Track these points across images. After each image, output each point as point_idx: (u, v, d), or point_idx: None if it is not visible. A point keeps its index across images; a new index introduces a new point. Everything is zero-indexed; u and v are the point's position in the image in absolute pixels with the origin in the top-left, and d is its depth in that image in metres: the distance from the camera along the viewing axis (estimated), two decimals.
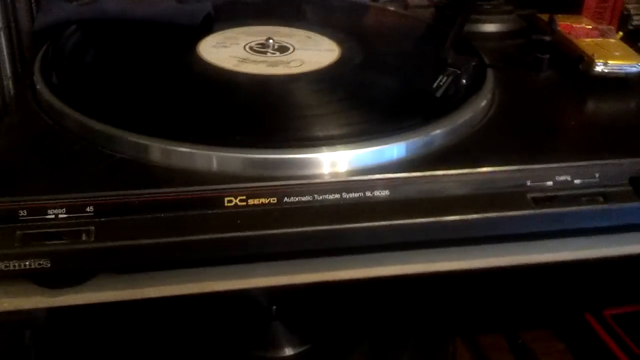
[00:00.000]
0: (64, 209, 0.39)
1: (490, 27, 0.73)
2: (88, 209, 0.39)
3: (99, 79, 0.54)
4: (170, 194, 0.41)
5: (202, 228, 0.40)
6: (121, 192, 0.40)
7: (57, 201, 0.39)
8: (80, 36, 0.62)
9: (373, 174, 0.44)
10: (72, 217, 0.39)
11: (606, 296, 0.80)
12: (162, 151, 0.44)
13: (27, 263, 0.38)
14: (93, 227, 0.39)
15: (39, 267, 0.38)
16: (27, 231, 0.38)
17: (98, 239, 0.39)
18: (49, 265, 0.38)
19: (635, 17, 0.77)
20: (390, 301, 0.73)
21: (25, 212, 0.39)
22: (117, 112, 0.47)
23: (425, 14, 0.77)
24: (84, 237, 0.39)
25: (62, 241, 0.38)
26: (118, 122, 0.45)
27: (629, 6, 0.77)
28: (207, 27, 0.64)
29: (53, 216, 0.39)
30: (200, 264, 0.43)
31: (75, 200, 0.39)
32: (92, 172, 0.42)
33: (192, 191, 0.41)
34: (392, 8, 0.78)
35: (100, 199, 0.40)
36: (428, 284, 0.72)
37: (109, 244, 0.39)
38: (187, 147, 0.43)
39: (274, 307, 0.71)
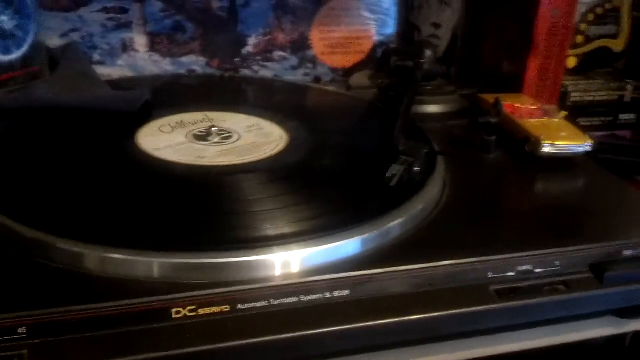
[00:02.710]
0: None
1: (432, 108, 0.72)
2: (20, 330, 0.35)
3: (28, 177, 0.50)
4: (112, 309, 0.37)
5: (149, 345, 0.36)
6: (57, 309, 0.36)
7: None
8: (6, 127, 0.58)
9: (327, 273, 0.42)
10: (1, 341, 0.35)
11: None
12: (101, 259, 0.40)
13: None
14: (26, 351, 0.35)
15: None
16: None
17: None
18: None
19: (573, 94, 0.79)
20: None
21: None
22: (49, 216, 0.44)
23: (367, 95, 0.76)
24: None
25: None
26: (51, 228, 0.41)
27: (567, 82, 0.79)
28: (146, 114, 0.61)
29: None
30: None
31: (4, 320, 0.35)
32: (23, 286, 0.38)
33: (136, 304, 0.38)
34: (333, 89, 0.77)
35: (33, 317, 0.36)
36: None
37: None
38: (126, 255, 0.40)
39: None
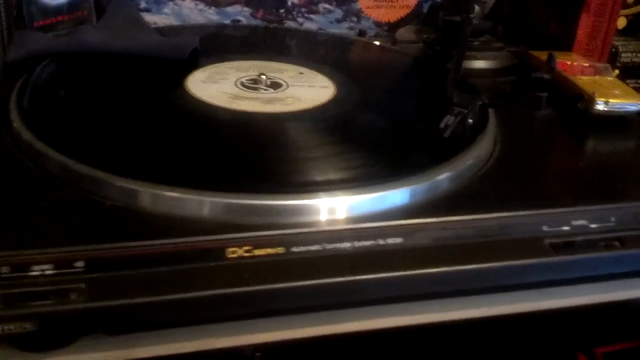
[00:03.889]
0: (51, 265, 0.35)
1: (480, 64, 0.71)
2: (77, 264, 0.35)
3: (82, 118, 0.50)
4: (168, 246, 0.37)
5: (205, 283, 0.36)
6: (114, 245, 0.36)
7: (43, 256, 0.35)
8: (58, 70, 0.58)
9: (376, 221, 0.41)
10: (59, 274, 0.35)
11: (598, 334, 0.79)
12: (157, 197, 0.40)
13: (10, 327, 0.33)
14: (83, 285, 0.35)
15: (23, 330, 0.34)
16: (9, 290, 0.34)
17: (89, 297, 0.35)
18: (35, 328, 0.34)
19: (623, 55, 0.77)
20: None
21: (7, 269, 0.34)
22: (104, 154, 0.44)
23: (413, 49, 0.75)
24: (73, 296, 0.34)
25: (49, 301, 0.34)
26: (107, 166, 0.41)
27: (617, 43, 0.76)
28: (194, 61, 0.61)
29: (38, 273, 0.35)
30: (200, 322, 0.39)
31: (63, 254, 0.35)
32: (80, 222, 0.38)
33: (192, 242, 0.38)
34: (379, 43, 0.76)
35: (91, 252, 0.36)
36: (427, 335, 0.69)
37: (102, 303, 0.34)
38: (181, 193, 0.40)
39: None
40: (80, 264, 0.36)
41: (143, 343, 0.39)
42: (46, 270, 0.35)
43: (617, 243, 0.44)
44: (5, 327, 0.33)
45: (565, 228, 0.44)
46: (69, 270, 0.35)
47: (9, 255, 0.35)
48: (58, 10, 0.65)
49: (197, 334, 0.39)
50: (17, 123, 0.47)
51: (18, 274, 0.35)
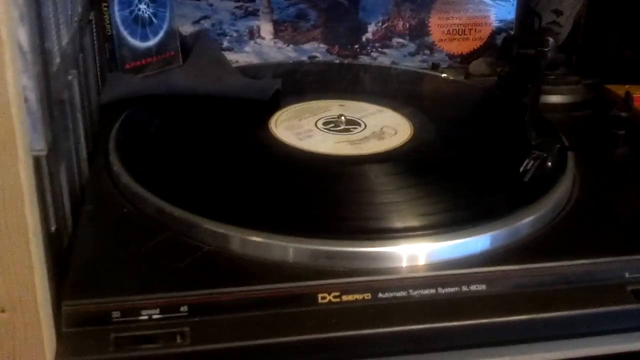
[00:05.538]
0: (158, 309, 0.38)
1: (555, 98, 0.71)
2: (182, 309, 0.38)
3: (175, 161, 0.53)
4: (264, 291, 0.40)
5: (297, 327, 0.39)
6: (214, 290, 0.39)
7: (151, 301, 0.38)
8: (151, 112, 0.61)
9: (456, 268, 0.42)
10: (166, 318, 0.38)
11: None
12: (248, 242, 0.43)
13: None
14: (187, 329, 0.38)
15: None
16: (121, 334, 0.37)
17: (193, 341, 0.37)
18: None
19: None
20: None
21: (119, 314, 0.37)
22: (198, 198, 0.47)
23: (486, 83, 0.76)
24: (178, 340, 0.37)
25: (157, 345, 0.37)
26: (202, 210, 0.44)
27: None
28: (276, 102, 0.63)
29: (147, 317, 0.38)
30: None
31: (169, 299, 0.38)
32: (180, 267, 0.41)
33: (286, 288, 0.40)
34: (452, 77, 0.77)
35: (193, 297, 0.39)
36: None
37: (205, 346, 0.37)
38: (279, 240, 0.42)
39: None
40: (184, 308, 0.38)
41: None
42: (153, 314, 0.38)
43: None
44: None
45: None
46: (174, 315, 0.38)
47: (119, 301, 0.38)
48: (147, 52, 0.68)
49: None
50: (117, 167, 0.51)
51: (128, 319, 0.37)
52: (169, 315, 0.38)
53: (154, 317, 0.38)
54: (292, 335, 0.38)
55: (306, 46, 0.79)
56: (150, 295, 0.38)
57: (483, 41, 0.84)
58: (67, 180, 0.48)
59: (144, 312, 0.38)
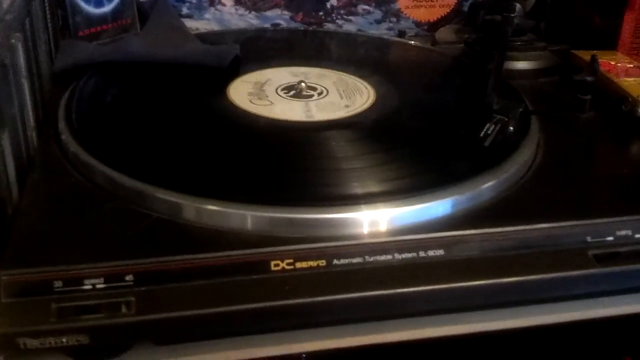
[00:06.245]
0: (102, 279, 0.36)
1: (522, 65, 0.70)
2: (127, 278, 0.37)
3: (127, 128, 0.52)
4: (213, 259, 0.38)
5: (249, 295, 0.37)
6: (162, 259, 0.37)
7: (94, 270, 0.36)
8: (103, 80, 0.59)
9: (416, 233, 0.41)
10: (110, 287, 0.36)
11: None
12: (202, 211, 0.41)
13: (63, 339, 0.35)
14: (133, 298, 0.36)
15: (76, 343, 0.35)
16: (62, 304, 0.35)
17: (139, 311, 0.36)
18: (87, 341, 0.35)
19: None
20: None
21: (61, 283, 0.36)
22: (151, 167, 0.45)
23: (454, 50, 0.74)
24: (123, 309, 0.36)
25: (101, 315, 0.35)
26: (154, 179, 0.43)
27: None
28: (234, 68, 0.62)
29: (90, 287, 0.36)
30: (245, 333, 0.40)
31: (114, 268, 0.37)
32: (127, 235, 0.40)
33: (237, 255, 0.38)
34: (418, 44, 0.76)
35: (140, 266, 0.37)
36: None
37: (151, 316, 0.36)
38: (222, 207, 0.41)
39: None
40: (130, 277, 0.37)
41: (190, 353, 0.40)
42: (97, 284, 0.36)
43: None
44: (60, 340, 0.35)
45: (609, 238, 0.43)
46: (119, 284, 0.36)
47: (62, 270, 0.36)
48: (102, 19, 0.66)
49: (242, 343, 0.40)
50: (65, 135, 0.49)
51: (71, 288, 0.36)
52: (114, 284, 0.36)
53: (98, 286, 0.36)
54: (243, 304, 0.37)
55: (269, 13, 0.77)
56: (94, 264, 0.37)
57: (450, 8, 0.82)
58: (12, 149, 0.46)
59: (87, 281, 0.36)
